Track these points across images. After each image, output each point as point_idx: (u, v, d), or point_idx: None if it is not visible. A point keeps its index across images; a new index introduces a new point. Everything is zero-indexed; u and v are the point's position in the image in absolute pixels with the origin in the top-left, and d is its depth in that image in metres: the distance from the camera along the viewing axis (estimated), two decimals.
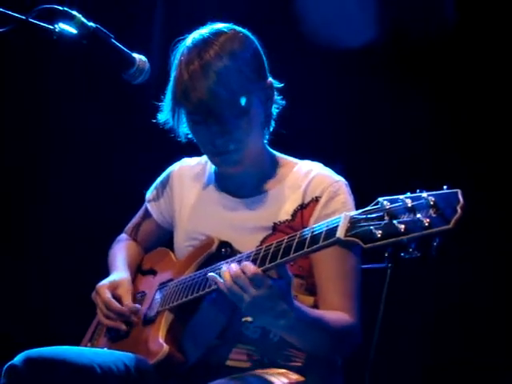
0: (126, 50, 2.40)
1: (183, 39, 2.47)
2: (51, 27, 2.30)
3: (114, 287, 2.57)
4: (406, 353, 3.38)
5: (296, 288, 2.41)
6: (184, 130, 2.52)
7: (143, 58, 2.43)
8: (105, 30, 2.36)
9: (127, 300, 2.53)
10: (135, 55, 2.42)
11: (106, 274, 2.68)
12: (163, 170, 2.77)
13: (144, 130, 3.05)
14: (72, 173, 3.88)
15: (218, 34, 2.40)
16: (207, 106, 2.33)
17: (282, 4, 3.64)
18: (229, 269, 2.16)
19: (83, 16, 2.32)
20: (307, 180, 2.47)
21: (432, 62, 3.51)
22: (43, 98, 3.85)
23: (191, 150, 2.63)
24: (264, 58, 2.46)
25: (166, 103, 2.49)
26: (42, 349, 2.26)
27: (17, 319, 3.84)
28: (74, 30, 2.31)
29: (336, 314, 2.34)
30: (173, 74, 2.43)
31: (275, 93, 2.49)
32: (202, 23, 2.48)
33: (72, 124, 3.85)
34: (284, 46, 3.23)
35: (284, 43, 3.43)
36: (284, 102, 2.51)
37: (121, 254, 2.76)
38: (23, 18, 2.26)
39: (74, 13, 2.31)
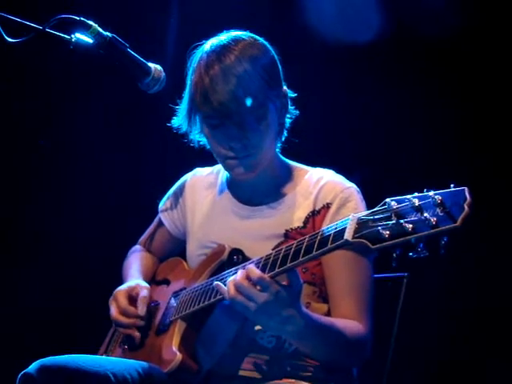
0: (141, 59, 2.42)
1: (200, 45, 2.48)
2: (68, 37, 2.32)
3: (131, 291, 2.57)
4: (422, 363, 3.36)
5: (309, 295, 2.41)
6: (197, 136, 2.53)
7: (159, 67, 2.45)
8: (121, 40, 2.38)
9: (142, 307, 2.52)
10: (151, 64, 2.44)
11: (120, 280, 2.69)
12: (176, 180, 2.78)
13: (157, 140, 3.08)
14: (85, 183, 3.88)
15: (236, 40, 2.42)
16: (227, 109, 2.34)
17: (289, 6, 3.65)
18: (233, 278, 2.16)
19: (98, 25, 2.33)
20: (318, 187, 2.47)
21: (441, 59, 3.49)
22: (56, 108, 3.85)
23: (203, 159, 2.63)
24: (280, 67, 2.48)
25: (183, 108, 2.50)
26: (56, 357, 2.26)
27: (32, 327, 3.83)
28: (90, 40, 2.33)
29: (348, 322, 2.33)
30: (191, 78, 2.44)
31: (289, 102, 2.50)
32: (214, 31, 2.48)
33: (85, 132, 3.86)
34: (292, 48, 3.21)
35: (291, 45, 3.42)
36: (297, 112, 2.52)
37: (135, 264, 2.77)
38: (40, 28, 2.29)
39: (91, 22, 2.33)
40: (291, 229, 2.44)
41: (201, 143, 2.54)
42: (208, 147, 2.51)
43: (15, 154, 3.84)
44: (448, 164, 3.42)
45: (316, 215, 2.43)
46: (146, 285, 2.61)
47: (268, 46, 2.47)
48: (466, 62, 3.46)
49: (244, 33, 2.46)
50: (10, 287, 3.82)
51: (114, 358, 2.52)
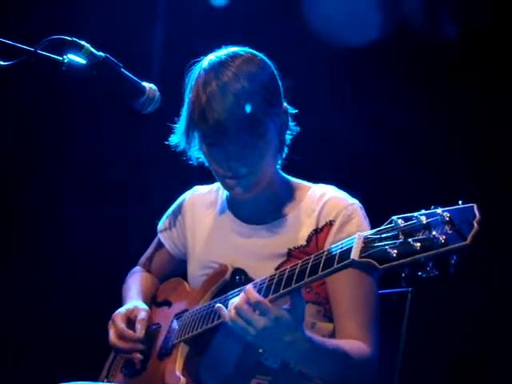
0: (135, 78, 2.38)
1: (198, 61, 2.45)
2: (60, 58, 2.28)
3: (130, 314, 2.53)
4: (431, 378, 3.33)
5: (314, 315, 2.38)
6: (195, 153, 2.49)
7: (153, 86, 2.41)
8: (114, 60, 2.34)
9: (141, 329, 2.48)
10: (145, 84, 2.40)
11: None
12: (175, 198, 2.74)
13: (155, 158, 3.04)
14: (83, 201, 3.85)
15: (234, 56, 2.39)
16: (224, 127, 2.31)
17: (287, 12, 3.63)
18: (233, 301, 2.11)
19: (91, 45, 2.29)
20: (321, 204, 2.43)
21: (449, 65, 3.48)
22: (53, 128, 3.82)
23: (202, 177, 2.61)
24: (280, 83, 2.44)
25: (180, 125, 2.47)
26: None
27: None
28: (82, 61, 2.29)
29: (353, 343, 2.28)
30: (188, 95, 2.41)
31: (289, 119, 2.46)
32: (204, 49, 2.45)
33: (82, 149, 3.84)
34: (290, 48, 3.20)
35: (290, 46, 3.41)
36: (298, 129, 2.49)
37: (135, 285, 2.73)
38: (31, 49, 2.24)
39: (83, 43, 2.29)
40: (294, 248, 2.40)
41: (199, 160, 2.51)
42: (207, 165, 2.47)
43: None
44: (453, 177, 3.39)
45: (319, 233, 2.40)
46: (145, 307, 2.57)
47: (267, 61, 2.43)
48: (474, 66, 3.44)
49: (242, 48, 2.43)
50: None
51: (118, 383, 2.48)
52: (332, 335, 2.39)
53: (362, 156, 3.57)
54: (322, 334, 2.39)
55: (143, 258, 2.83)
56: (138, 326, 2.48)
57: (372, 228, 2.31)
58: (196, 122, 2.37)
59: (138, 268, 2.83)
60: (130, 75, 2.36)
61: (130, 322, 2.51)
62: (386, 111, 3.52)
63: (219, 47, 2.45)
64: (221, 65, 2.36)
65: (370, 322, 2.33)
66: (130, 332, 2.47)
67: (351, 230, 2.35)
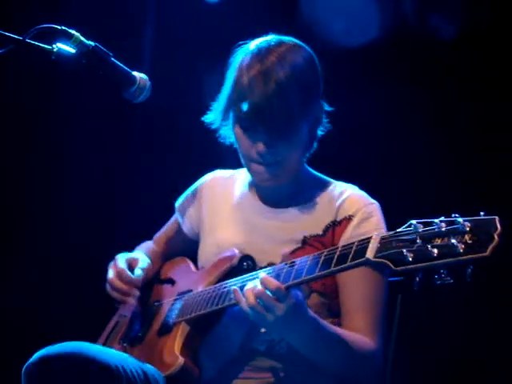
0: (126, 68, 2.36)
1: (243, 44, 2.46)
2: (49, 47, 2.25)
3: (132, 261, 2.58)
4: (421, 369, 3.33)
5: (318, 306, 2.38)
6: (228, 132, 2.49)
7: (144, 76, 2.39)
8: (104, 49, 2.31)
9: (139, 275, 2.53)
10: (135, 73, 2.37)
11: None
12: (193, 179, 2.76)
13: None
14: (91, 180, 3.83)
15: (281, 43, 2.39)
16: (262, 114, 2.31)
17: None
18: (252, 287, 2.12)
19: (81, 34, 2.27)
20: (342, 198, 2.45)
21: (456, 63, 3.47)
22: (45, 117, 3.79)
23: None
24: (321, 78, 2.45)
25: (219, 103, 2.47)
26: (61, 344, 2.18)
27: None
28: (72, 50, 2.27)
29: (358, 336, 2.29)
30: (231, 76, 2.41)
31: (324, 115, 2.47)
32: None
33: (78, 133, 3.81)
34: None
35: None
36: (330, 126, 2.50)
37: (142, 249, 2.76)
38: (20, 38, 2.21)
39: (73, 32, 2.26)
40: (310, 235, 2.42)
41: (230, 140, 2.51)
42: (236, 146, 2.48)
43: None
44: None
45: (337, 226, 2.41)
46: (149, 260, 2.61)
47: (313, 54, 2.44)
48: (478, 65, 3.43)
49: (289, 38, 2.43)
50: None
51: (119, 351, 2.44)
52: None
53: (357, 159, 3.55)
54: None
55: (157, 234, 2.84)
56: (139, 272, 2.53)
57: (388, 230, 2.34)
58: (235, 103, 2.38)
59: (150, 242, 2.84)
60: (120, 64, 2.34)
61: (131, 268, 2.54)
62: (381, 113, 3.50)
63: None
64: (267, 50, 2.36)
65: (378, 318, 2.35)
66: (130, 274, 2.52)
67: (369, 228, 2.38)
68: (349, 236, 2.37)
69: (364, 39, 3.46)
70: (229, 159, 2.66)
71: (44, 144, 3.86)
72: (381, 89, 3.50)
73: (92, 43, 2.28)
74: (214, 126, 2.51)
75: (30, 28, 2.22)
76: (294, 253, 2.37)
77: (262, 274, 2.14)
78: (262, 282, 2.10)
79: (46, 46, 2.25)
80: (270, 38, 2.42)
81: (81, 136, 3.81)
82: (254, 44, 2.42)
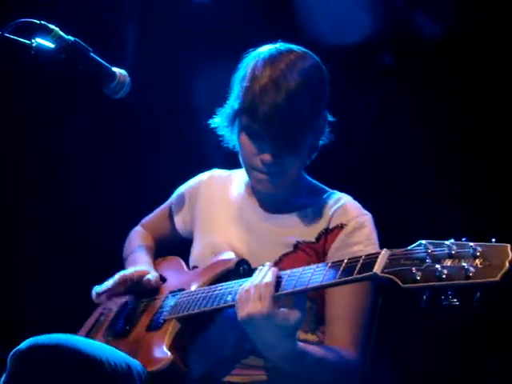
0: (105, 63, 2.35)
1: (253, 50, 2.45)
2: (28, 42, 2.24)
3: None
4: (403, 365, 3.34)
5: (305, 312, 2.35)
6: (234, 137, 2.48)
7: (123, 71, 2.39)
8: (83, 44, 2.31)
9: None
10: (115, 69, 2.37)
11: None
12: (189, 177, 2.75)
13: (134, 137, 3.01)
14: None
15: (290, 51, 2.39)
16: (270, 123, 2.31)
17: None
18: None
19: (60, 29, 2.26)
20: (336, 206, 2.46)
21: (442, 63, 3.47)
22: (26, 113, 3.77)
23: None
24: (328, 89, 2.44)
25: (226, 109, 2.46)
26: (49, 335, 2.17)
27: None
28: (51, 45, 2.26)
29: (339, 352, 2.29)
30: (241, 82, 2.40)
31: (326, 126, 2.48)
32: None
33: (65, 133, 3.77)
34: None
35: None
36: (332, 136, 2.50)
37: (142, 253, 2.74)
38: None
39: (52, 26, 2.26)
40: (303, 241, 2.42)
41: (233, 143, 2.50)
42: (238, 151, 2.47)
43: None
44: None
45: (329, 233, 2.42)
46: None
47: (321, 64, 2.43)
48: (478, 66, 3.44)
49: (298, 46, 2.43)
50: None
51: (105, 344, 2.42)
52: (314, 330, 2.41)
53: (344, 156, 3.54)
54: (306, 329, 2.39)
55: (147, 222, 2.84)
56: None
57: (380, 244, 2.39)
58: (243, 111, 2.36)
59: (140, 233, 2.83)
60: (100, 60, 2.34)
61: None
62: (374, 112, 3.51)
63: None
64: (276, 59, 2.35)
65: (362, 329, 2.36)
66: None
67: (360, 238, 2.39)
68: (339, 244, 2.38)
69: (352, 39, 3.46)
70: (224, 158, 2.67)
71: (37, 142, 3.84)
72: (371, 90, 3.52)
73: (71, 38, 2.28)
74: (219, 131, 2.51)
75: (9, 22, 2.21)
76: (284, 256, 2.39)
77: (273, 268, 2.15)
78: (261, 274, 2.12)
79: (25, 41, 2.24)
80: (279, 46, 2.41)
81: (73, 135, 3.81)
82: (263, 51, 2.41)
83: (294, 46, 2.43)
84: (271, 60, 2.36)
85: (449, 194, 3.40)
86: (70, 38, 2.27)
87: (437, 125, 3.47)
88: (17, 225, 3.84)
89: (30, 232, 3.83)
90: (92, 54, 2.32)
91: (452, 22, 3.41)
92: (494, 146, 3.40)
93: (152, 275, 2.55)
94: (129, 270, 2.58)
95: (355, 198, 2.51)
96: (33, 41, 2.24)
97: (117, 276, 2.56)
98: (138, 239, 2.81)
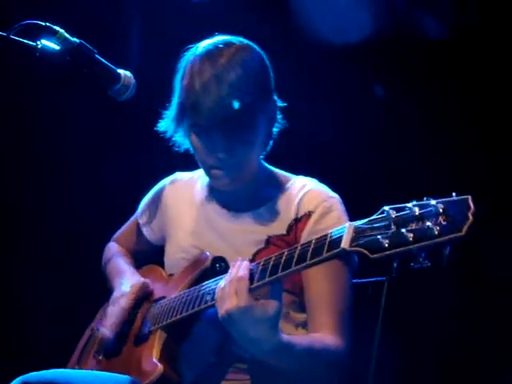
0: (110, 65, 2.34)
1: (191, 48, 2.42)
2: (33, 44, 2.23)
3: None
4: (407, 368, 3.34)
5: (289, 305, 2.38)
6: (183, 140, 2.47)
7: (128, 73, 2.37)
8: (89, 46, 2.29)
9: None
10: (120, 71, 2.36)
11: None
12: (155, 180, 2.74)
13: (136, 141, 3.00)
14: (66, 178, 3.82)
15: (229, 45, 2.36)
16: (216, 118, 2.28)
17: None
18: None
19: (65, 31, 2.26)
20: (301, 194, 2.43)
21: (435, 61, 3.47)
22: (29, 115, 3.77)
23: (183, 162, 2.59)
24: (272, 75, 2.42)
25: (171, 111, 2.44)
26: (40, 372, 2.18)
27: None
28: (56, 46, 2.25)
29: (324, 340, 2.26)
30: (181, 82, 2.38)
31: (278, 112, 2.45)
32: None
33: (61, 134, 3.79)
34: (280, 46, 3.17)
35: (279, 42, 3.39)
36: (285, 122, 2.48)
37: (122, 260, 2.72)
38: (3, 34, 2.20)
39: (57, 28, 2.25)
40: (274, 235, 2.40)
41: (185, 147, 2.48)
42: (192, 153, 2.46)
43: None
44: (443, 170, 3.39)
45: (298, 223, 2.39)
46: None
47: (261, 52, 2.41)
48: (469, 63, 3.44)
49: (236, 37, 2.40)
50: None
51: (99, 373, 2.42)
52: (305, 325, 2.40)
53: (344, 151, 3.55)
54: (296, 323, 2.40)
55: (120, 236, 2.82)
56: None
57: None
58: (187, 109, 2.34)
59: (115, 245, 2.81)
60: (105, 61, 2.32)
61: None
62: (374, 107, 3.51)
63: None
64: (215, 53, 2.33)
65: (343, 314, 2.32)
66: None
67: (329, 223, 2.35)
68: (309, 232, 2.35)
69: (353, 38, 3.46)
70: None
71: (36, 143, 3.85)
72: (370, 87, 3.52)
73: (77, 40, 2.27)
74: (167, 135, 2.47)
75: (14, 24, 2.20)
76: (258, 253, 2.37)
77: (245, 262, 2.13)
78: (236, 270, 2.10)
79: (30, 43, 2.23)
80: (218, 40, 2.38)
81: (74, 135, 3.81)
82: (201, 47, 2.38)
83: (233, 38, 2.40)
84: (211, 56, 2.33)
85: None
86: (75, 39, 2.26)
87: (438, 125, 3.47)
88: (16, 225, 3.85)
89: (30, 232, 3.84)
90: (97, 56, 2.31)
91: (452, 21, 3.41)
92: (494, 145, 3.41)
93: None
94: (137, 281, 2.56)
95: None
96: (38, 43, 2.23)
97: (134, 288, 2.52)
98: (115, 250, 2.79)
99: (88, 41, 2.30)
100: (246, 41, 2.41)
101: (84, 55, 2.28)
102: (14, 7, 3.05)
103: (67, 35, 2.25)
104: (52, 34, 2.24)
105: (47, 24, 2.24)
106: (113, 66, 2.34)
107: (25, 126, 3.78)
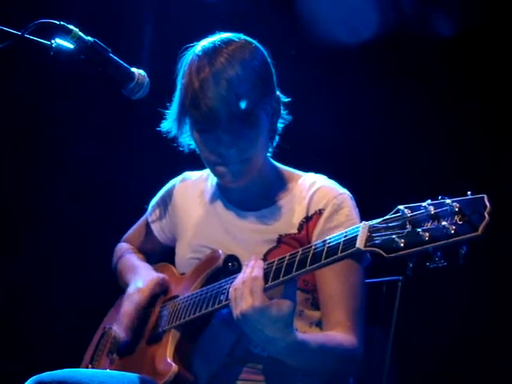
0: (124, 64, 2.34)
1: (191, 46, 2.42)
2: (48, 43, 2.24)
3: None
4: (421, 367, 3.32)
5: (302, 303, 2.37)
6: (187, 139, 2.47)
7: (142, 72, 2.38)
8: (103, 44, 2.30)
9: None
10: (134, 70, 2.36)
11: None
12: (164, 181, 2.73)
13: (145, 140, 3.01)
14: (72, 182, 3.82)
15: (228, 42, 2.36)
16: (217, 114, 2.29)
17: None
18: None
19: (80, 30, 2.26)
20: (311, 192, 2.42)
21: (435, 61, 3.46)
22: (41, 113, 3.77)
23: (192, 161, 2.59)
24: (273, 71, 2.42)
25: (172, 111, 2.45)
26: (53, 372, 2.18)
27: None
28: (71, 45, 2.26)
29: (338, 337, 2.25)
30: (181, 81, 2.39)
31: (281, 107, 2.45)
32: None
33: (72, 133, 3.79)
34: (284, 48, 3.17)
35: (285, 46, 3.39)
36: (290, 117, 2.47)
37: (134, 256, 2.72)
38: (18, 33, 2.20)
39: (71, 27, 2.25)
40: (285, 234, 2.39)
41: (191, 147, 2.49)
42: (197, 152, 2.45)
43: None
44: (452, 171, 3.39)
45: (309, 221, 2.38)
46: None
47: (261, 48, 2.41)
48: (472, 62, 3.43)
49: (236, 35, 2.40)
50: None
51: (111, 372, 2.41)
52: (319, 323, 2.39)
53: (354, 148, 3.54)
54: (310, 321, 2.39)
55: (130, 237, 2.82)
56: None
57: (362, 218, 2.31)
58: (188, 108, 2.35)
59: (126, 245, 2.81)
60: (119, 60, 2.33)
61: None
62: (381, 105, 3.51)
63: (212, 33, 2.42)
64: (214, 51, 2.34)
65: (357, 311, 2.31)
66: None
67: (340, 220, 2.35)
68: (320, 230, 2.35)
69: (359, 37, 3.46)
70: None
71: (43, 142, 3.85)
72: (376, 85, 3.51)
73: (91, 39, 2.27)
74: (171, 135, 2.48)
75: (29, 23, 2.20)
76: (269, 252, 2.36)
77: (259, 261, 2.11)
78: (251, 269, 2.08)
79: (44, 42, 2.24)
80: (217, 38, 2.39)
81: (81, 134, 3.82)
82: (200, 46, 2.39)
83: (232, 36, 2.40)
84: (209, 55, 2.33)
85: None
86: (89, 38, 2.27)
87: (441, 124, 3.46)
88: (16, 225, 3.86)
89: (43, 232, 3.85)
90: (111, 55, 2.31)
91: (459, 21, 3.41)
92: (497, 143, 3.40)
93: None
94: (154, 276, 2.54)
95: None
96: (52, 41, 2.24)
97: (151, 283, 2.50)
98: (126, 248, 2.78)
99: (102, 40, 2.30)
100: (247, 38, 2.40)
101: (98, 54, 2.28)
102: (29, 6, 3.05)
103: (81, 34, 2.26)
104: (66, 33, 2.25)
105: (61, 23, 2.24)
106: (126, 65, 2.34)
107: (41, 125, 3.79)
